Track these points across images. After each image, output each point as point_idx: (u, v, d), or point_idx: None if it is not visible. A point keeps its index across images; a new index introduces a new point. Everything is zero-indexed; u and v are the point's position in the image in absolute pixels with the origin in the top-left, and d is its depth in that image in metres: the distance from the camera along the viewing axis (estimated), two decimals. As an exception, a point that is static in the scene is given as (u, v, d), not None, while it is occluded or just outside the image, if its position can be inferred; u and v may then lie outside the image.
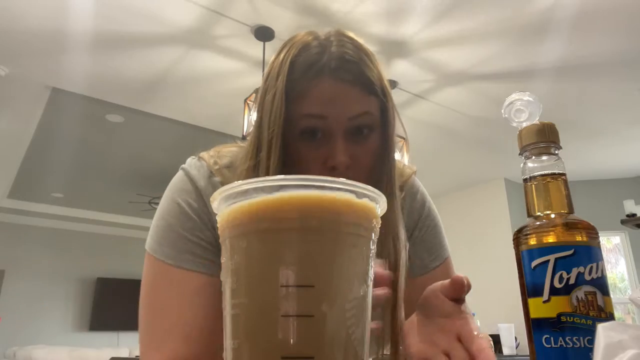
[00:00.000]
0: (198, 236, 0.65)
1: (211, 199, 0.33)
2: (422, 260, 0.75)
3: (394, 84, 3.47)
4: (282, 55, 0.65)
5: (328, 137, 0.62)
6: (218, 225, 0.33)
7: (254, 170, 0.64)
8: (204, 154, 0.73)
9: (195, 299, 0.63)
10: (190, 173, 0.69)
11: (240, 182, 0.31)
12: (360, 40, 0.66)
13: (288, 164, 0.63)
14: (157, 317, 0.64)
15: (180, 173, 0.71)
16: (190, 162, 0.72)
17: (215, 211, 0.33)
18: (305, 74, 0.63)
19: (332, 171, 0.61)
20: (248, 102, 2.75)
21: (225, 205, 0.32)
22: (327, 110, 0.62)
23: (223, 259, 0.32)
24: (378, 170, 0.67)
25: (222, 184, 0.68)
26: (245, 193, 0.31)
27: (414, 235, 0.76)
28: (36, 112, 3.82)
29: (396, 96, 4.07)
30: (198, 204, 0.67)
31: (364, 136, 0.64)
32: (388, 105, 0.66)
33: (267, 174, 0.62)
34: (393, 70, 3.33)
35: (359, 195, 0.31)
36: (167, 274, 0.65)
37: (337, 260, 0.30)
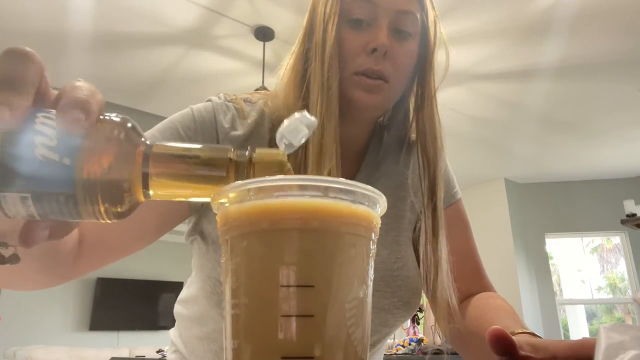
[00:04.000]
0: (189, 136, 0.65)
1: (211, 199, 0.33)
2: (446, 194, 0.75)
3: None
4: None
5: (373, 25, 0.64)
6: (218, 225, 0.33)
7: (302, 58, 0.67)
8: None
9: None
10: (213, 101, 0.70)
11: (239, 182, 0.31)
12: None
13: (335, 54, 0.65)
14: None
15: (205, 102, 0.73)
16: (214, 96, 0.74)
17: (215, 211, 0.33)
18: None
19: (370, 54, 0.62)
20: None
21: (226, 206, 0.32)
22: None
23: (223, 259, 0.32)
24: (411, 78, 0.69)
25: (237, 109, 0.69)
26: (245, 193, 0.31)
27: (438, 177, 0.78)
28: (36, 112, 3.82)
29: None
30: (207, 117, 0.67)
31: (405, 37, 0.65)
32: (428, 24, 0.69)
33: (323, 59, 0.64)
34: (393, 70, 3.34)
35: (359, 196, 0.31)
36: None
37: (337, 260, 0.30)
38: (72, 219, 0.32)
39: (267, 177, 0.30)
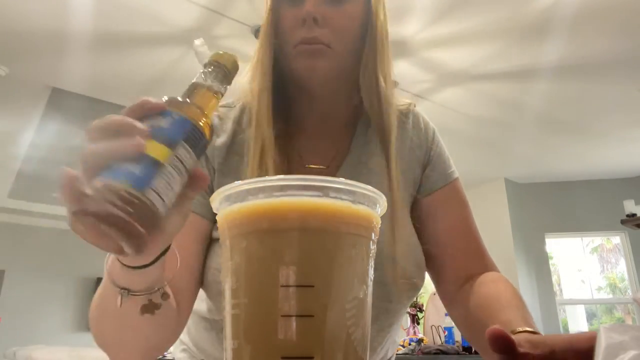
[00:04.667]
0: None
1: (211, 199, 0.33)
2: (430, 180, 0.76)
3: (393, 84, 3.47)
4: None
5: None
6: (218, 225, 0.33)
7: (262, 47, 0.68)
8: None
9: (180, 236, 0.62)
10: None
11: (240, 182, 0.31)
12: None
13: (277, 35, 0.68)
14: None
15: None
16: None
17: (215, 211, 0.33)
18: None
19: (303, 25, 0.64)
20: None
21: (225, 205, 0.32)
22: None
23: (223, 259, 0.32)
24: (359, 44, 0.68)
25: (219, 117, 0.72)
26: (245, 193, 0.31)
27: (426, 160, 0.78)
28: (36, 112, 3.82)
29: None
30: None
31: (339, 1, 0.66)
32: None
33: (260, 40, 0.68)
34: (393, 70, 3.33)
35: (359, 196, 0.31)
36: None
37: (337, 260, 0.30)
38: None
39: (267, 177, 0.30)
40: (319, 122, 0.74)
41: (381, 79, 0.70)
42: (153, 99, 0.37)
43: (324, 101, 0.72)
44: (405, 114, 0.80)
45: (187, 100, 0.39)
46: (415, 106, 0.84)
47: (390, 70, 0.73)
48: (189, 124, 0.36)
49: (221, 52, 0.43)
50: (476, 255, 0.73)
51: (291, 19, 0.66)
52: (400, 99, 0.81)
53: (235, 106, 0.74)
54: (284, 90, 0.71)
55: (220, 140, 0.70)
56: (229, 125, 0.71)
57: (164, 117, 0.36)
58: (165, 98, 0.38)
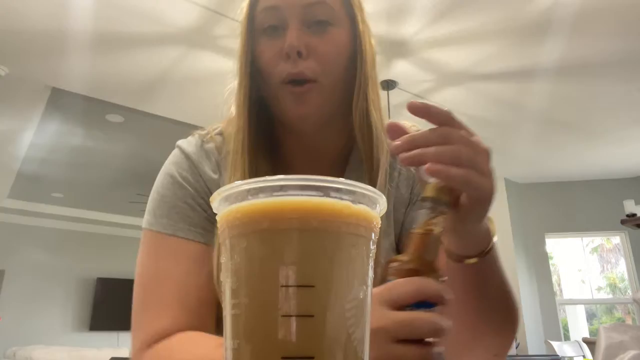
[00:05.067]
0: (190, 203, 0.66)
1: (211, 199, 0.33)
2: (408, 219, 0.70)
3: (393, 84, 3.47)
4: None
5: (286, 29, 0.62)
6: (218, 225, 0.33)
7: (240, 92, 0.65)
8: (197, 131, 0.75)
9: (193, 267, 0.63)
10: (181, 147, 0.71)
11: (240, 182, 0.31)
12: None
13: (256, 71, 0.65)
14: (155, 287, 0.62)
15: (173, 151, 0.72)
16: (183, 140, 0.73)
17: (215, 211, 0.33)
18: None
19: (287, 60, 0.61)
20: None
21: (225, 205, 0.32)
22: (280, 0, 0.62)
23: (223, 259, 0.32)
24: (347, 74, 0.65)
25: (216, 148, 0.70)
26: (245, 193, 0.31)
27: (408, 199, 0.72)
28: (36, 112, 3.82)
29: (396, 96, 4.06)
30: (190, 173, 0.67)
31: (323, 29, 0.62)
32: (353, 5, 0.65)
33: (239, 77, 0.65)
34: (393, 70, 3.33)
35: (359, 196, 0.31)
36: (164, 244, 0.64)
37: (337, 260, 0.30)
38: None
39: (267, 177, 0.30)
40: (308, 160, 0.70)
41: (373, 114, 0.65)
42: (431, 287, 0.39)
43: (314, 137, 0.68)
44: None
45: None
46: None
47: (380, 102, 0.69)
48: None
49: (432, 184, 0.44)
50: None
51: (272, 51, 0.63)
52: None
53: (225, 132, 0.71)
54: (268, 124, 0.68)
55: (214, 176, 0.68)
56: (215, 159, 0.69)
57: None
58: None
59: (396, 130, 0.47)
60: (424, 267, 0.40)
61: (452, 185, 0.44)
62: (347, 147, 0.71)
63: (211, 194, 0.65)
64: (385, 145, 0.66)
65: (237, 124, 0.65)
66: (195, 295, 0.61)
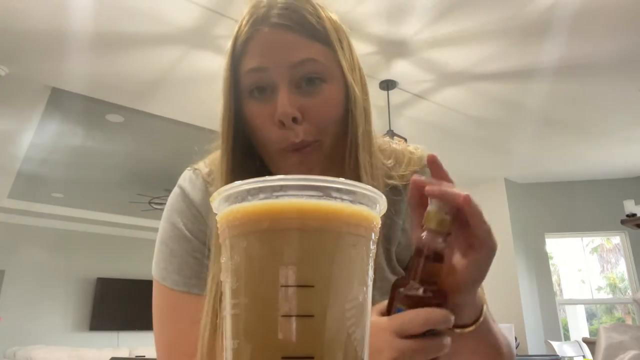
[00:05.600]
0: (199, 257, 0.65)
1: (211, 199, 0.33)
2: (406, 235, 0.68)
3: (393, 84, 3.47)
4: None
5: (275, 91, 0.59)
6: (218, 225, 0.33)
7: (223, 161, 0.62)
8: (200, 164, 0.71)
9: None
10: (185, 189, 0.69)
11: (240, 182, 0.31)
12: None
13: (247, 133, 0.62)
14: (175, 347, 0.64)
15: (176, 190, 0.70)
16: (185, 176, 0.71)
17: (215, 211, 0.33)
18: (246, 31, 0.61)
19: (282, 127, 0.57)
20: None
21: (225, 205, 0.32)
22: (265, 60, 0.59)
23: (223, 259, 0.32)
24: (344, 127, 0.61)
25: (206, 183, 0.69)
26: (245, 193, 0.31)
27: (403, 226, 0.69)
28: (36, 112, 3.82)
29: (396, 96, 4.05)
30: (194, 223, 0.67)
31: (315, 87, 0.59)
32: (340, 55, 0.61)
33: (227, 154, 0.61)
34: (393, 70, 3.33)
35: (359, 196, 0.31)
36: (179, 303, 0.65)
37: (337, 260, 0.30)
38: None
39: (267, 177, 0.30)
40: None
41: (363, 178, 0.61)
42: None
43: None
44: (401, 189, 0.68)
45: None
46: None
47: (373, 160, 0.64)
48: None
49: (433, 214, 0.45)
50: None
51: (264, 116, 0.59)
52: (419, 152, 0.73)
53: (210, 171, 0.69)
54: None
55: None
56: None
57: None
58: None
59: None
60: (430, 291, 0.43)
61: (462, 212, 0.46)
62: None
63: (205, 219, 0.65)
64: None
65: (223, 181, 0.62)
66: (213, 353, 0.61)
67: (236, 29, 0.63)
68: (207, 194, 0.67)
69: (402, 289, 0.43)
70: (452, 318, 0.43)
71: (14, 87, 3.43)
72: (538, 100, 3.71)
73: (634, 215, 4.47)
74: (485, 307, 0.52)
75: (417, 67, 3.30)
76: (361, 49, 3.09)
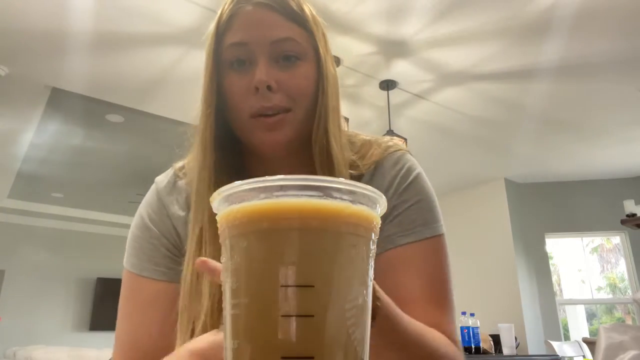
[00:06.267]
0: (155, 244, 0.69)
1: (211, 199, 0.33)
2: (389, 235, 0.66)
3: (393, 84, 3.47)
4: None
5: (254, 64, 0.63)
6: (218, 225, 0.33)
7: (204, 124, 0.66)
8: (178, 161, 0.77)
9: (148, 306, 0.67)
10: (157, 184, 0.74)
11: (239, 182, 0.31)
12: None
13: (222, 103, 0.66)
14: (120, 325, 0.69)
15: (151, 186, 0.76)
16: (161, 175, 0.76)
17: (215, 211, 0.33)
18: (230, 8, 0.64)
19: (256, 93, 0.61)
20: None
21: (225, 205, 0.32)
22: (247, 36, 0.63)
23: (223, 259, 0.32)
24: (312, 105, 0.65)
25: (188, 184, 0.71)
26: (245, 193, 0.31)
27: (391, 214, 0.68)
28: (36, 112, 3.82)
29: (396, 96, 4.05)
30: (158, 214, 0.71)
31: (291, 63, 0.63)
32: (316, 39, 0.66)
33: (202, 113, 0.66)
34: (393, 70, 3.33)
35: (359, 196, 0.31)
36: (133, 284, 0.69)
37: (337, 260, 0.30)
38: None
39: (267, 177, 0.30)
40: None
41: (333, 147, 0.64)
42: None
43: (281, 168, 0.68)
44: (377, 162, 0.70)
45: None
46: (399, 152, 0.73)
47: (341, 128, 0.68)
48: None
49: None
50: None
51: (241, 87, 0.63)
52: (391, 143, 0.73)
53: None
54: (234, 159, 0.68)
55: (182, 213, 0.70)
56: (186, 195, 0.71)
57: None
58: None
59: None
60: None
61: None
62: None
63: (177, 231, 0.68)
64: (346, 170, 0.66)
65: (202, 161, 0.65)
66: (147, 332, 0.65)
67: (221, 7, 0.67)
68: (174, 186, 0.73)
69: None
70: None
71: (14, 87, 3.43)
72: (538, 100, 3.71)
73: (634, 215, 4.47)
74: (380, 304, 0.43)
75: (417, 67, 3.30)
76: (361, 49, 3.09)
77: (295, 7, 0.64)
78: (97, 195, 5.99)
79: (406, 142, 3.44)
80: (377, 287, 0.43)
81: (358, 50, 3.10)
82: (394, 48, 3.09)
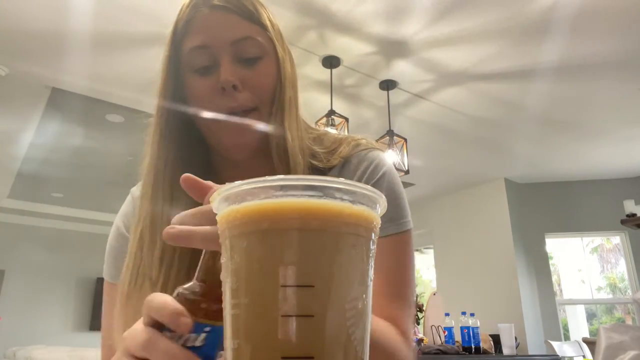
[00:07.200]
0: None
1: (211, 199, 0.33)
2: None
3: (393, 84, 3.47)
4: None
5: (217, 65, 0.63)
6: (218, 225, 0.33)
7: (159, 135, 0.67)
8: None
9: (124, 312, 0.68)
10: (132, 194, 0.76)
11: (239, 182, 0.31)
12: None
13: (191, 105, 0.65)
14: (104, 333, 0.70)
15: (127, 197, 0.77)
16: (136, 185, 0.78)
17: (215, 211, 0.33)
18: (188, 13, 0.65)
19: (222, 93, 0.62)
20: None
21: (225, 205, 0.32)
22: (208, 38, 0.63)
23: (223, 259, 0.32)
24: (276, 100, 0.66)
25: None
26: (245, 193, 0.31)
27: None
28: (36, 112, 3.82)
29: (396, 96, 4.05)
30: (131, 221, 0.71)
31: (254, 62, 0.64)
32: (272, 36, 0.67)
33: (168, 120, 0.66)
34: (393, 70, 3.33)
35: (359, 196, 0.31)
36: (111, 292, 0.70)
37: (337, 260, 0.30)
38: None
39: (268, 177, 0.30)
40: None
41: (289, 141, 0.65)
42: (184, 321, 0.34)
43: (250, 167, 0.69)
44: (347, 158, 0.70)
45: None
46: (368, 149, 0.72)
47: (299, 118, 0.68)
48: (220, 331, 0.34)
49: None
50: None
51: (204, 88, 0.63)
52: (365, 142, 0.73)
53: None
54: (194, 159, 0.68)
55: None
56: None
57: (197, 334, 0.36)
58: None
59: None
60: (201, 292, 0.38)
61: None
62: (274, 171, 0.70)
63: None
64: (302, 170, 0.66)
65: (154, 164, 0.67)
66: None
67: (178, 12, 0.67)
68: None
69: (181, 289, 0.38)
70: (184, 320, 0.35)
71: (14, 87, 3.43)
72: (538, 100, 3.71)
73: (634, 215, 4.47)
74: None
75: (417, 67, 3.30)
76: (361, 49, 3.09)
77: (251, 7, 0.65)
78: (97, 195, 5.99)
79: (406, 142, 3.45)
80: None
81: (358, 50, 3.10)
82: (394, 48, 3.09)
